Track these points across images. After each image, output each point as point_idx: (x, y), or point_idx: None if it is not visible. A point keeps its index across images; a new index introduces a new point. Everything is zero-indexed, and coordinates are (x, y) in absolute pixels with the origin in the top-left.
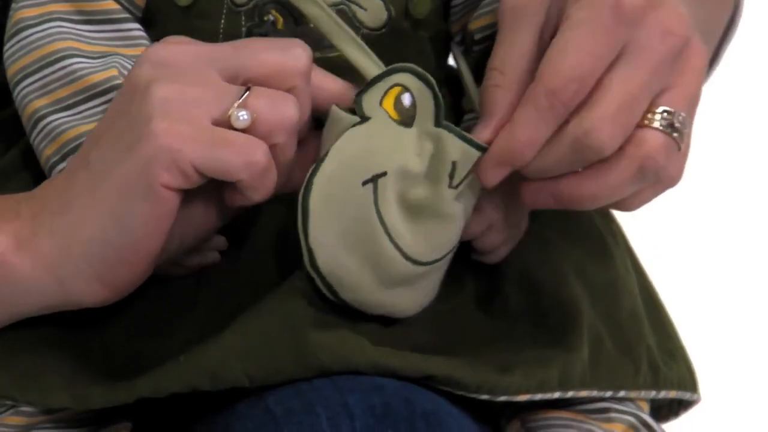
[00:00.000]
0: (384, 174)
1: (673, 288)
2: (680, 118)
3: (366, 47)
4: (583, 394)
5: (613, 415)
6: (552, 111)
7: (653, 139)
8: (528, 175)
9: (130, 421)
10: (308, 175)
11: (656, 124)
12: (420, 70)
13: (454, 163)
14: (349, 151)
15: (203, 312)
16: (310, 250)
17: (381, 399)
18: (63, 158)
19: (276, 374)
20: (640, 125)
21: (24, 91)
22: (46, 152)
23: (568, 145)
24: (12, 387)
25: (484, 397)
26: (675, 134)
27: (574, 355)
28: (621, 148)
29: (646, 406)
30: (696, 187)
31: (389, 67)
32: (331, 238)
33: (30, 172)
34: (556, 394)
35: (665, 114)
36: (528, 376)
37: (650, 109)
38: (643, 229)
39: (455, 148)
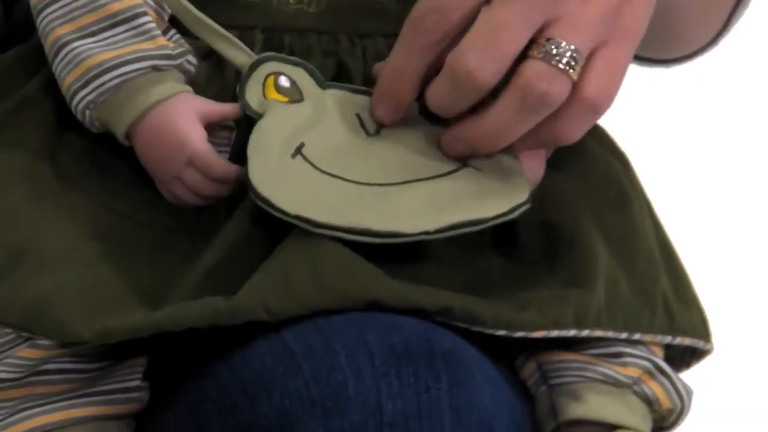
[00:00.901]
0: (302, 145)
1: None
2: (563, 45)
3: (232, 37)
4: (599, 333)
5: (627, 359)
6: (415, 40)
7: (530, 67)
8: (433, 111)
9: (146, 357)
10: (243, 175)
11: (536, 54)
12: (280, 54)
13: (357, 115)
14: (262, 143)
15: (220, 249)
16: (301, 218)
17: (400, 337)
18: (85, 84)
19: (295, 305)
20: (524, 57)
21: (47, 18)
22: (68, 79)
23: (448, 77)
24: (29, 320)
25: (501, 332)
26: (557, 61)
27: (590, 295)
28: (507, 82)
29: (659, 352)
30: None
31: (252, 61)
32: (305, 200)
33: (51, 101)
34: (572, 332)
35: (548, 43)
36: (544, 314)
37: (537, 41)
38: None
39: (351, 101)
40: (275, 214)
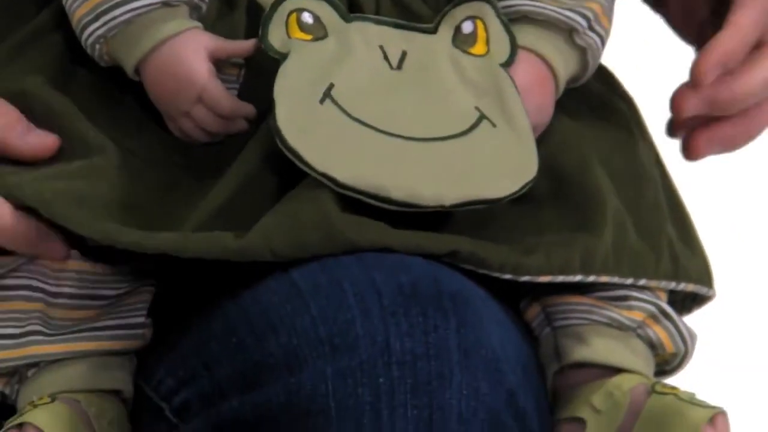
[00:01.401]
0: (331, 86)
1: None
2: None
3: None
4: (604, 279)
5: (632, 303)
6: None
7: None
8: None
9: (151, 294)
10: (269, 123)
11: None
12: None
13: (381, 48)
14: (288, 87)
15: (229, 186)
16: (326, 176)
17: (408, 277)
18: (96, 18)
19: (301, 250)
20: None
21: None
22: (78, 13)
23: None
24: (44, 203)
25: (507, 276)
26: None
27: (597, 240)
28: None
29: (664, 296)
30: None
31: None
32: (332, 156)
33: (61, 34)
34: (577, 278)
35: None
36: (550, 258)
37: None
38: None
39: (374, 32)
40: (302, 167)
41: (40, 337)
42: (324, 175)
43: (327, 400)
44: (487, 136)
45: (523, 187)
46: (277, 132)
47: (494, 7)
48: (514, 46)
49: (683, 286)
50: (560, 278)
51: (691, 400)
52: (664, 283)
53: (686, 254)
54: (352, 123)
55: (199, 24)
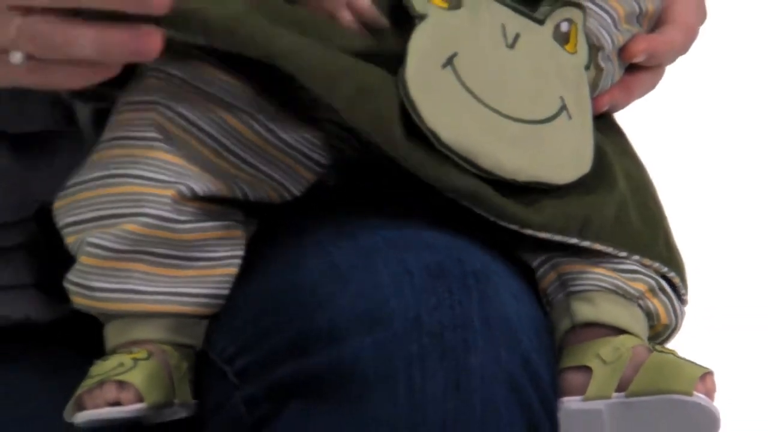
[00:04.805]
0: (455, 54)
1: None
2: None
3: None
4: (598, 247)
5: (636, 275)
6: None
7: None
8: None
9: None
10: (399, 73)
11: None
12: None
13: (503, 26)
14: (420, 47)
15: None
16: (432, 132)
17: (433, 257)
18: None
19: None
20: None
21: None
22: None
23: None
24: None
25: (514, 227)
26: None
27: (600, 211)
28: None
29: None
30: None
31: None
32: (444, 117)
33: None
34: (573, 240)
35: None
36: (553, 218)
37: None
38: None
39: (499, 11)
40: (414, 117)
41: (137, 296)
42: (430, 131)
43: (365, 367)
44: (563, 126)
45: (578, 178)
46: (403, 83)
47: (585, 16)
48: (591, 56)
49: (673, 275)
50: (558, 238)
51: (685, 359)
52: (657, 265)
53: (676, 251)
54: (464, 92)
55: None
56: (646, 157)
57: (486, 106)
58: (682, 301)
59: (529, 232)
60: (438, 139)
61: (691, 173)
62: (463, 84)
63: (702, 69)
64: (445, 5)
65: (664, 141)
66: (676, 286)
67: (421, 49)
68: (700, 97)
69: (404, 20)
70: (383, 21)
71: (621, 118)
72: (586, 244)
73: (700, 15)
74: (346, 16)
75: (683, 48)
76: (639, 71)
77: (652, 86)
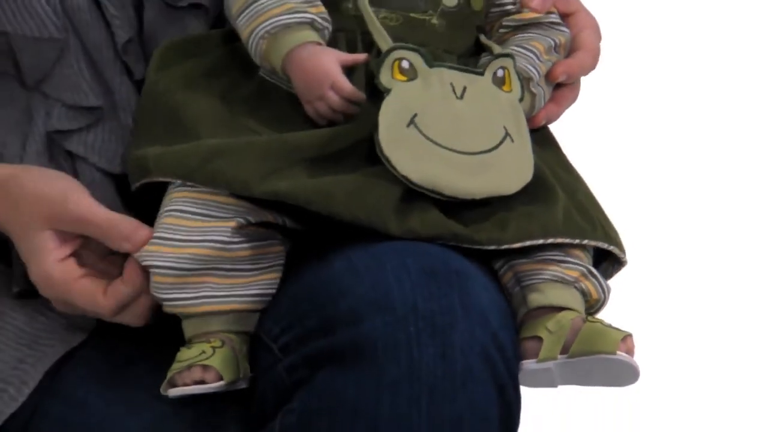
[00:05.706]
0: (415, 114)
1: None
2: None
3: (387, 36)
4: (559, 240)
5: (571, 265)
6: None
7: None
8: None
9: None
10: (374, 136)
11: None
12: (402, 44)
13: (451, 84)
14: (389, 113)
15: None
16: (404, 177)
17: (428, 261)
18: (265, 20)
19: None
20: None
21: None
22: (258, 20)
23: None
24: (205, 174)
25: (492, 247)
26: None
27: (551, 213)
28: None
29: (589, 261)
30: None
31: (385, 50)
32: (412, 164)
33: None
34: (539, 241)
35: None
36: (519, 230)
37: None
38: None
39: (448, 74)
40: (390, 168)
41: (201, 300)
42: (403, 176)
43: (376, 342)
44: (508, 148)
45: (523, 186)
46: (377, 142)
47: (514, 62)
48: (523, 89)
49: (613, 248)
50: (527, 242)
51: (611, 326)
52: (600, 244)
53: (611, 229)
54: (426, 141)
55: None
56: (577, 156)
57: (444, 147)
58: (621, 263)
59: (504, 247)
60: (410, 181)
61: (617, 165)
62: (425, 136)
63: (611, 79)
64: (405, 78)
65: (590, 142)
66: (618, 259)
67: (389, 115)
68: (619, 101)
69: (376, 93)
70: (361, 95)
71: (555, 128)
72: (549, 240)
73: (600, 37)
74: (332, 96)
75: (592, 66)
76: (563, 88)
77: (574, 98)
